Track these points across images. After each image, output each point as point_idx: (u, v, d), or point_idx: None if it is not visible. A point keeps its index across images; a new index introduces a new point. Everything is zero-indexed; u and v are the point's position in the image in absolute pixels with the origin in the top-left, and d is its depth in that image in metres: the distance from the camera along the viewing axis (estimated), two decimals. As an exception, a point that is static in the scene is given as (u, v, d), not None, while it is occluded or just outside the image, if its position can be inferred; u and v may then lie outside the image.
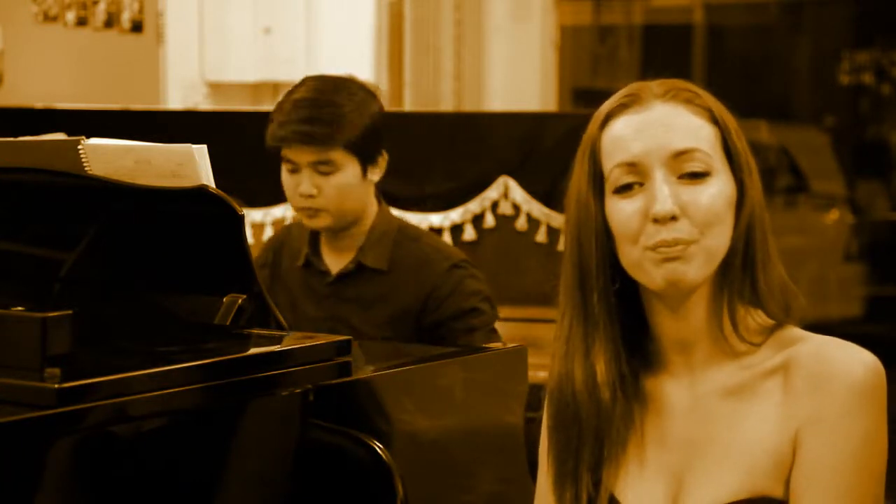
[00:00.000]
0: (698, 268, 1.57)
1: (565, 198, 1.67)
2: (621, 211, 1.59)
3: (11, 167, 2.18)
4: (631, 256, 1.59)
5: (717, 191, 1.58)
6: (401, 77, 5.84)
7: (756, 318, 1.63)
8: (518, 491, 2.22)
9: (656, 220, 1.57)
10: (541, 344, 3.70)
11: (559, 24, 6.23)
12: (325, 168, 2.81)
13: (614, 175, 1.60)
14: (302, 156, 2.81)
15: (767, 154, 6.38)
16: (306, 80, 2.92)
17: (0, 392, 1.67)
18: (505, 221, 4.01)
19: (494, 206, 4.02)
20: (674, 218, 1.57)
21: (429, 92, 5.85)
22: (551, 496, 1.69)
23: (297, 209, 2.87)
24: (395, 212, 4.01)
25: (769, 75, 6.69)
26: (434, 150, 4.10)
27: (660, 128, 1.59)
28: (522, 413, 2.28)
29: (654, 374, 1.66)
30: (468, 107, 5.91)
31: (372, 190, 2.89)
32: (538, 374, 3.45)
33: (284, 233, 3.08)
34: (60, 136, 3.61)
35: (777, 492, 1.57)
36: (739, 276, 1.61)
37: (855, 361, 1.57)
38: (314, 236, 2.93)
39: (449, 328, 2.80)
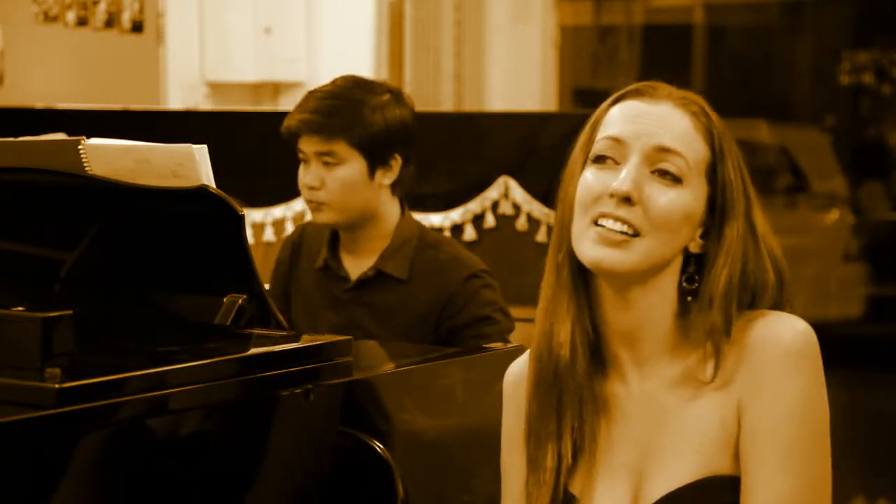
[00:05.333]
0: (630, 261, 1.62)
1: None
2: (585, 178, 1.66)
3: (11, 167, 2.18)
4: (578, 226, 1.64)
5: (682, 201, 1.63)
6: (401, 77, 5.85)
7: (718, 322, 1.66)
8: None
9: (612, 196, 1.61)
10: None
11: (559, 24, 6.24)
12: (329, 159, 2.81)
13: (598, 145, 1.66)
14: (308, 145, 2.83)
15: (767, 154, 6.38)
16: (336, 78, 2.94)
17: (0, 392, 1.67)
18: (505, 221, 4.01)
19: (494, 206, 4.02)
20: (629, 200, 1.61)
21: (429, 92, 5.86)
22: (521, 472, 1.71)
23: (305, 201, 2.89)
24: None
25: (769, 75, 6.69)
26: (434, 150, 4.10)
27: (657, 121, 1.65)
28: (522, 413, 2.28)
29: (604, 376, 1.70)
30: (468, 107, 5.91)
31: (384, 194, 2.87)
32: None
33: (299, 233, 3.08)
34: (60, 136, 3.61)
35: (729, 469, 1.61)
36: (709, 292, 1.64)
37: (783, 327, 1.62)
38: (333, 239, 2.92)
39: (462, 336, 2.78)
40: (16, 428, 1.62)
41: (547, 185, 3.95)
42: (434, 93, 5.85)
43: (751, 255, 1.66)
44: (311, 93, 2.90)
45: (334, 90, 2.87)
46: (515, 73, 6.11)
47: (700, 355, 1.65)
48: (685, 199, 1.63)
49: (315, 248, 2.96)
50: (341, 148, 2.81)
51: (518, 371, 1.78)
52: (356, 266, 2.89)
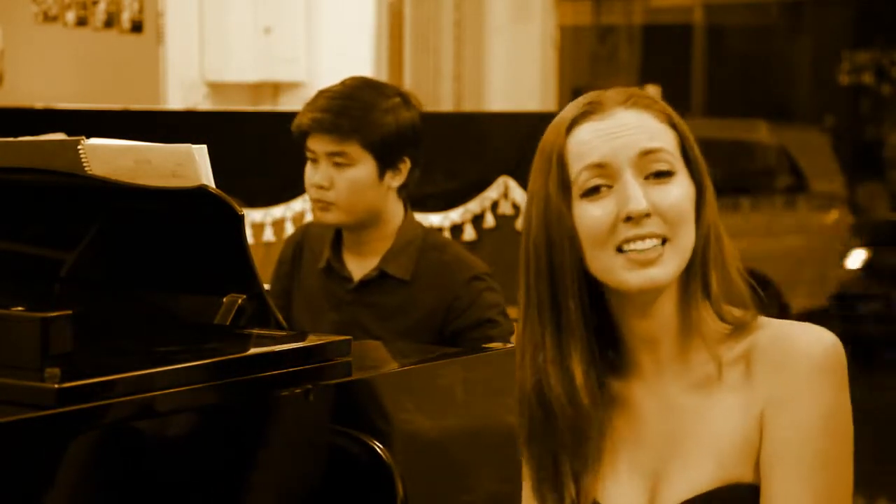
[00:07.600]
0: (671, 269, 1.61)
1: (525, 206, 1.69)
2: (590, 214, 1.62)
3: (11, 167, 2.19)
4: (601, 260, 1.62)
5: (682, 190, 1.62)
6: (401, 77, 5.84)
7: (717, 312, 1.65)
8: (518, 490, 2.22)
9: (629, 219, 1.60)
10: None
11: (559, 24, 6.24)
12: (339, 160, 2.81)
13: (582, 178, 1.62)
14: (319, 145, 2.83)
15: (767, 154, 6.38)
16: (345, 79, 2.93)
17: (0, 392, 1.67)
18: (505, 221, 4.01)
19: (494, 206, 4.02)
20: (647, 215, 1.60)
21: (429, 92, 5.85)
22: None
23: (311, 200, 2.88)
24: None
25: (769, 75, 6.70)
26: (434, 150, 4.10)
27: (626, 130, 1.63)
28: (522, 413, 2.28)
29: (621, 377, 1.69)
30: (468, 107, 5.91)
31: (391, 195, 2.87)
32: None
33: (302, 232, 3.08)
34: (60, 136, 3.61)
35: (748, 477, 1.60)
36: (701, 273, 1.64)
37: (813, 340, 1.60)
38: (336, 240, 2.93)
39: (466, 338, 2.79)
40: (16, 428, 1.62)
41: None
42: (434, 93, 5.85)
43: (721, 239, 1.66)
44: (321, 92, 2.89)
45: (345, 90, 2.87)
46: (515, 73, 6.11)
47: (709, 355, 1.64)
48: (685, 188, 1.62)
49: (318, 248, 2.96)
50: (353, 149, 2.81)
51: None
52: (359, 266, 2.89)
